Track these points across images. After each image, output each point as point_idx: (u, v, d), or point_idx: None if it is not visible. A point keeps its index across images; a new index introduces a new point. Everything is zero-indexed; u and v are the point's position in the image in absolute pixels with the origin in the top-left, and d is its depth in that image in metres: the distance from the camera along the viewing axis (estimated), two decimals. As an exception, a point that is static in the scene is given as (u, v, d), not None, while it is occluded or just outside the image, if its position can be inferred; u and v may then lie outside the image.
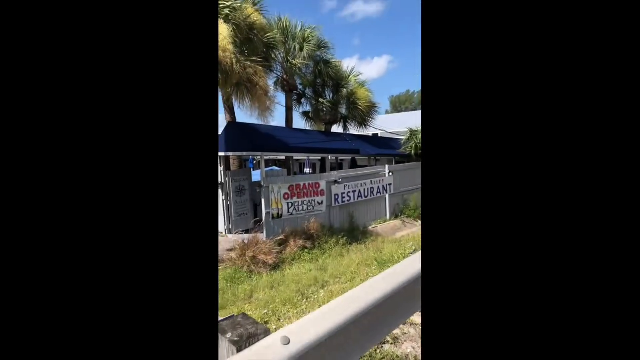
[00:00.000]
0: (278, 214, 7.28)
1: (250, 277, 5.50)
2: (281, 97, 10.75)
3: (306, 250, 6.65)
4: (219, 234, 8.40)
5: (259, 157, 8.22)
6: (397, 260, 4.38)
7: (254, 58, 7.11)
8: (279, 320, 2.91)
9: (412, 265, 1.64)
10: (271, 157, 13.13)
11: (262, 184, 7.19)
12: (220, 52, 5.52)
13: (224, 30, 5.55)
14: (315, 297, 3.52)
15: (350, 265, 4.74)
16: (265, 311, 3.15)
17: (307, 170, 13.16)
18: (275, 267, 5.94)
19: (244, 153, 8.65)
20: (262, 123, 9.38)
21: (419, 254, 1.84)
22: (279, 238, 6.69)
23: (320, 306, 3.27)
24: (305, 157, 12.19)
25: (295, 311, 3.07)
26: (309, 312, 3.16)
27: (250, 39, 7.15)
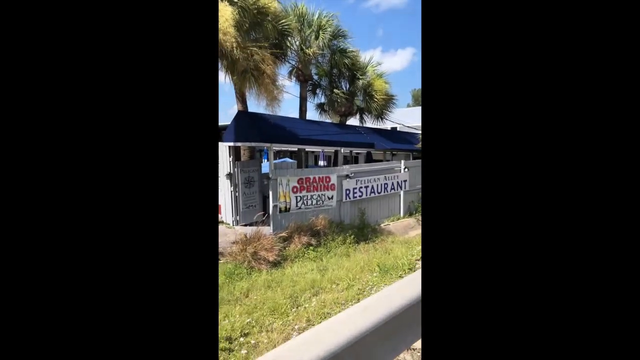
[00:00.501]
0: (286, 207, 7.03)
1: (250, 274, 5.28)
2: (296, 88, 10.38)
3: (311, 248, 6.37)
4: (227, 226, 8.26)
5: (268, 147, 7.95)
6: (401, 267, 4.02)
7: (261, 44, 6.75)
8: (260, 332, 2.64)
9: (394, 297, 1.32)
10: (284, 149, 12.87)
11: (270, 176, 6.94)
12: (220, 35, 5.21)
13: (226, 13, 5.23)
14: (307, 305, 3.23)
15: (352, 269, 4.43)
16: (249, 320, 2.88)
17: (321, 163, 12.84)
18: (276, 264, 5.69)
19: (252, 143, 8.39)
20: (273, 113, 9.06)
21: (405, 278, 1.52)
22: (280, 235, 6.42)
23: (308, 318, 3.00)
24: (320, 150, 11.86)
25: (281, 322, 2.80)
26: (295, 323, 2.90)
27: (259, 23, 6.78)
